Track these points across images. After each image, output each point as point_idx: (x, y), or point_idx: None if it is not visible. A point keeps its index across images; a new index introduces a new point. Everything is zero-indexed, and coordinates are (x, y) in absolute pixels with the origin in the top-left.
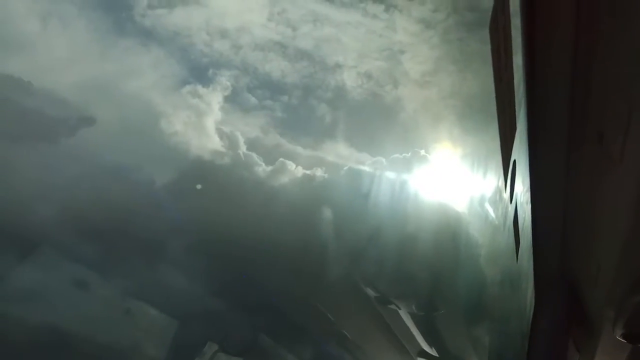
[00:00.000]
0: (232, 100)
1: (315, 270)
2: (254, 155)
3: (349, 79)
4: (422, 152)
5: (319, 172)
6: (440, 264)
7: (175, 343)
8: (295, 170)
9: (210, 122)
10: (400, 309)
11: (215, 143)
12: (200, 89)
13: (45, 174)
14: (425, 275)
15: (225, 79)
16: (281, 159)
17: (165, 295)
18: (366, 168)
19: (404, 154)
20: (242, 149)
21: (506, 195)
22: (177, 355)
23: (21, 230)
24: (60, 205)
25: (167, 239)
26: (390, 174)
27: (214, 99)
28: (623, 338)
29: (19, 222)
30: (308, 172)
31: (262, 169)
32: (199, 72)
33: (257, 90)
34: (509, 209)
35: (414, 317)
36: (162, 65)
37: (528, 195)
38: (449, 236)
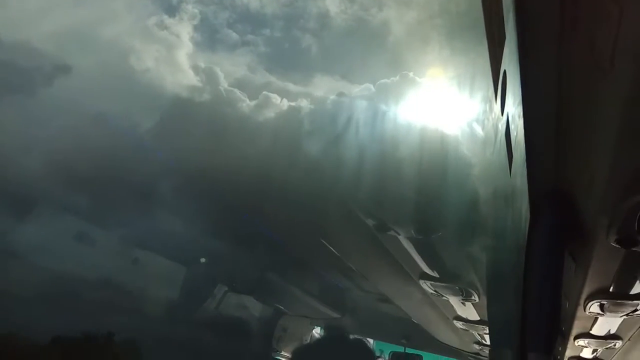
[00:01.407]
0: (213, 37)
1: (312, 204)
2: (237, 91)
3: (332, 4)
4: (411, 74)
5: (304, 103)
6: (434, 186)
7: (185, 287)
8: (281, 104)
9: (183, 57)
10: (399, 234)
11: (192, 79)
12: (167, 20)
13: (26, 127)
14: (421, 198)
15: (191, 7)
16: (265, 92)
17: (167, 241)
18: (354, 95)
19: (392, 78)
20: (224, 85)
21: (497, 107)
22: (189, 298)
23: (12, 187)
24: (47, 158)
25: (159, 184)
26: (378, 99)
27: (183, 29)
28: (617, 243)
29: (7, 179)
30: (293, 104)
31: (245, 104)
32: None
33: (237, 25)
34: (500, 121)
35: (413, 241)
36: (137, 7)
37: (520, 108)
38: (442, 158)
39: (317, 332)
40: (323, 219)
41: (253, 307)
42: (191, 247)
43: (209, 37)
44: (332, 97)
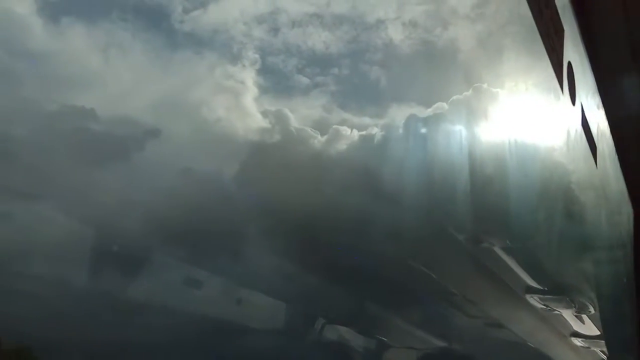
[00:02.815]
0: (285, 84)
1: (402, 229)
2: (308, 129)
3: (395, 33)
4: (485, 86)
5: (375, 131)
6: (520, 191)
7: (287, 322)
8: (351, 135)
9: (253, 103)
10: (494, 245)
11: (262, 122)
12: (230, 68)
13: (125, 191)
14: (509, 205)
15: (251, 53)
16: (334, 126)
17: (264, 279)
18: (427, 116)
19: (464, 93)
20: (294, 124)
21: (564, 98)
22: (292, 332)
23: (122, 248)
24: (147, 217)
25: (249, 227)
26: (453, 116)
27: (247, 75)
28: None
29: (118, 241)
30: (364, 132)
31: (317, 140)
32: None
33: (306, 70)
34: (573, 111)
35: (510, 251)
36: (217, 68)
37: (598, 98)
38: (524, 161)
39: None
40: (416, 243)
41: (355, 341)
42: (288, 283)
43: (283, 85)
44: (403, 120)
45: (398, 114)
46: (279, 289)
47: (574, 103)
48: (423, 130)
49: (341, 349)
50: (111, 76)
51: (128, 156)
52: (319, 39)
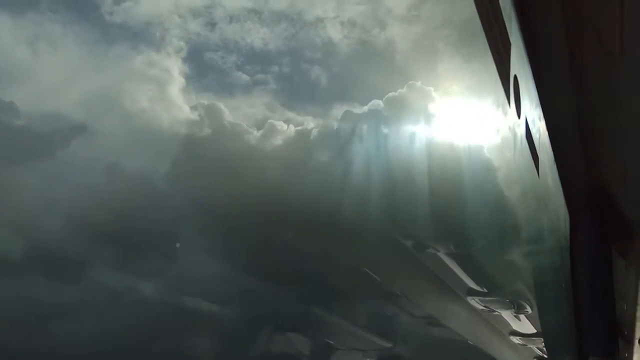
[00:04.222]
0: (222, 81)
1: (344, 230)
2: (243, 124)
3: (333, 32)
4: (419, 83)
5: (311, 126)
6: (462, 197)
7: (227, 327)
8: (288, 130)
9: (182, 96)
10: (439, 251)
11: (191, 115)
12: (155, 56)
13: (48, 189)
14: (455, 212)
15: (176, 40)
16: (270, 121)
17: (201, 282)
18: (362, 112)
19: (399, 90)
20: (228, 119)
21: (511, 110)
22: (233, 337)
23: (45, 249)
24: (71, 216)
25: (182, 227)
26: (388, 113)
27: (173, 64)
28: None
29: (40, 242)
30: (299, 128)
31: (252, 135)
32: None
33: (245, 67)
34: (518, 124)
35: (454, 256)
36: (149, 62)
37: (539, 110)
38: (462, 166)
39: None
40: (360, 246)
41: (302, 344)
42: (231, 287)
43: (223, 82)
44: (340, 115)
45: (338, 112)
46: (216, 291)
47: (519, 116)
48: (361, 126)
49: (286, 353)
50: (38, 70)
51: (52, 153)
52: (257, 35)
